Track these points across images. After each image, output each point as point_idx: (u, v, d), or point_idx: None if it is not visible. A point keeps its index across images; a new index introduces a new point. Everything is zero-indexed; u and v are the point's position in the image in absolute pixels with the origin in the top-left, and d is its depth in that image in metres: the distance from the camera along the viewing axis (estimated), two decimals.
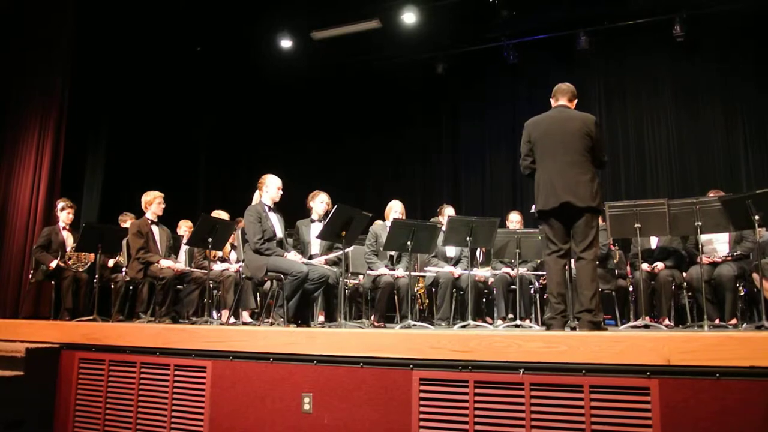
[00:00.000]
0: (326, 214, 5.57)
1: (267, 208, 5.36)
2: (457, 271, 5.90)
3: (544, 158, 4.27)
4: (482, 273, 6.17)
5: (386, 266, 5.82)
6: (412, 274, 5.59)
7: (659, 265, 5.71)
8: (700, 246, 5.21)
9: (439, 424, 3.28)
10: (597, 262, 4.28)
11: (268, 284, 5.73)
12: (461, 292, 5.93)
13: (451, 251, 6.20)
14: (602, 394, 2.96)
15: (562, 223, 4.20)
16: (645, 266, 5.62)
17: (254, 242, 5.15)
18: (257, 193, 5.48)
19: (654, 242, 5.95)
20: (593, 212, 4.15)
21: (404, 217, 5.98)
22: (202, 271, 6.12)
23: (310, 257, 5.57)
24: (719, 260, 5.41)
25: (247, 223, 5.24)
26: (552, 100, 4.51)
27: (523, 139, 4.44)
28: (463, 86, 10.30)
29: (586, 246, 4.09)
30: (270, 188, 5.43)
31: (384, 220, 6.13)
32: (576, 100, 4.48)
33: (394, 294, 5.77)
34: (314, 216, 5.76)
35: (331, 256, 5.65)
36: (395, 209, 5.98)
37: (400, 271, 5.75)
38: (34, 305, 6.76)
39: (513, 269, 5.93)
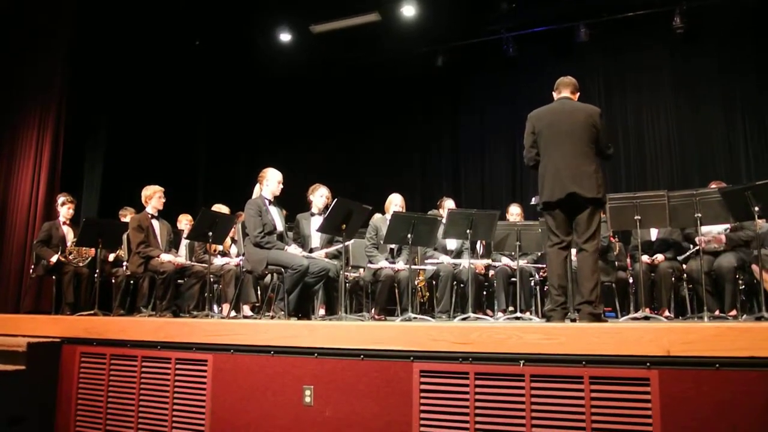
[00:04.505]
0: (326, 207, 5.57)
1: (267, 202, 5.36)
2: (457, 261, 5.91)
3: (549, 149, 4.27)
4: (481, 262, 6.16)
5: (387, 259, 5.83)
6: (413, 267, 5.59)
7: (659, 257, 5.72)
8: (700, 237, 5.22)
9: (439, 415, 3.29)
10: (597, 254, 4.28)
11: (268, 278, 5.75)
12: (461, 285, 5.93)
13: (452, 244, 6.20)
14: (602, 385, 2.96)
15: (565, 215, 4.21)
16: (645, 258, 5.63)
17: (254, 236, 5.16)
18: (257, 186, 5.48)
19: (654, 234, 5.96)
20: (597, 204, 4.16)
21: (404, 210, 5.98)
22: (203, 265, 6.13)
23: (311, 250, 5.58)
24: (714, 243, 5.40)
25: (248, 217, 5.25)
26: (554, 93, 4.51)
27: (526, 131, 4.44)
28: (462, 79, 10.29)
29: (588, 237, 4.11)
30: (270, 182, 5.43)
31: (384, 213, 6.14)
32: (578, 93, 4.48)
33: (394, 287, 5.78)
34: (314, 209, 5.77)
35: (332, 249, 5.65)
36: (395, 202, 5.99)
37: (400, 264, 5.76)
38: (35, 300, 6.77)
39: (513, 261, 5.94)
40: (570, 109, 4.32)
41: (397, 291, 5.85)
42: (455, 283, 5.87)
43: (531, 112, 4.45)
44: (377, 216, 6.14)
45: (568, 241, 4.25)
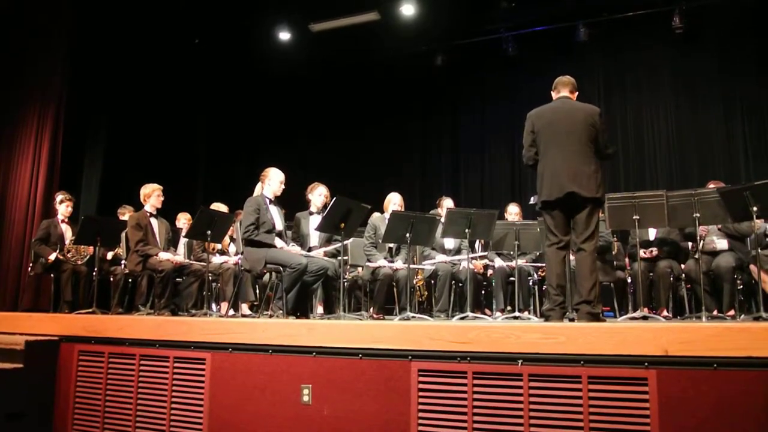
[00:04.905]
0: (325, 206, 5.57)
1: (268, 201, 5.35)
2: (454, 258, 5.91)
3: (549, 148, 4.27)
4: (478, 261, 6.15)
5: (385, 258, 5.82)
6: (411, 266, 5.59)
7: (655, 250, 5.72)
8: (698, 238, 5.22)
9: (438, 414, 3.29)
10: (596, 254, 4.28)
11: (267, 276, 5.74)
12: (460, 284, 5.93)
13: (450, 243, 6.20)
14: (600, 385, 2.96)
15: (564, 214, 4.21)
16: (642, 253, 5.62)
17: (243, 232, 5.17)
18: (259, 185, 5.48)
19: (652, 234, 5.96)
20: (596, 203, 4.16)
21: (403, 209, 5.97)
22: (201, 263, 6.12)
23: (309, 249, 5.57)
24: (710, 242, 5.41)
25: (245, 214, 5.25)
26: (553, 93, 4.51)
27: (526, 130, 4.43)
28: (462, 78, 10.26)
29: (587, 237, 4.10)
30: (272, 181, 5.43)
31: (383, 212, 6.13)
32: (577, 93, 4.48)
33: (392, 286, 5.78)
34: (313, 208, 5.76)
35: (330, 248, 5.65)
36: (394, 201, 5.98)
37: (398, 263, 5.76)
38: (34, 298, 6.76)
39: (511, 261, 5.93)
40: (569, 108, 4.32)
41: (395, 290, 5.85)
42: (453, 282, 5.87)
43: (530, 111, 4.45)
44: (376, 215, 6.14)
45: (566, 240, 4.25)
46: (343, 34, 9.37)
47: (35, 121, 7.40)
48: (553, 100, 4.46)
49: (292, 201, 6.07)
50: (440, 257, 5.99)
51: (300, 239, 5.72)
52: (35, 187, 7.26)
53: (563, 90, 4.45)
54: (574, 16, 8.99)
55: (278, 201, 5.53)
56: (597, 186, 4.12)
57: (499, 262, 6.17)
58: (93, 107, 8.65)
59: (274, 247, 5.15)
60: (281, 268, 5.03)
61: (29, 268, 6.55)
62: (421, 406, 3.33)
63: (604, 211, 5.13)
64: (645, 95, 9.19)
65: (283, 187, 5.49)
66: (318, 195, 5.77)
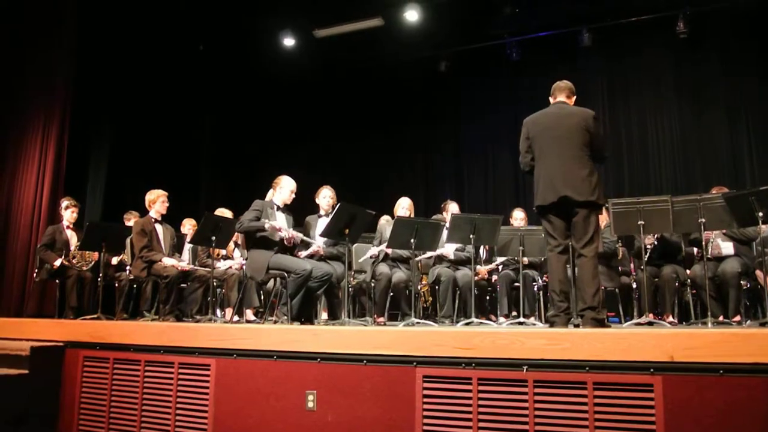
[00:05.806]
0: (333, 207, 5.56)
1: (276, 207, 5.35)
2: (442, 251, 5.92)
3: (543, 154, 4.27)
4: (483, 267, 6.14)
5: (387, 263, 5.81)
6: (417, 253, 5.54)
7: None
8: (703, 243, 5.21)
9: (442, 420, 3.28)
10: (597, 258, 4.25)
11: (271, 282, 5.74)
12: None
13: (453, 248, 6.19)
14: (606, 391, 2.95)
15: (561, 219, 4.20)
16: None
17: (237, 225, 5.19)
18: (271, 191, 5.49)
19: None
20: (592, 207, 4.13)
21: (412, 214, 5.97)
22: (206, 269, 6.13)
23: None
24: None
25: (247, 211, 5.24)
26: (550, 98, 4.51)
27: (522, 136, 4.45)
28: (465, 83, 10.28)
29: (586, 242, 4.08)
30: (283, 190, 5.43)
31: (394, 216, 6.12)
32: (575, 97, 4.48)
33: (398, 290, 5.76)
34: (321, 212, 5.76)
35: (321, 242, 5.60)
36: (402, 205, 5.98)
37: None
38: (39, 304, 6.76)
39: (517, 264, 5.92)
40: (564, 113, 4.32)
41: (401, 296, 5.84)
42: (457, 288, 5.86)
43: (526, 118, 4.46)
44: (385, 218, 6.14)
45: (566, 244, 4.24)
46: (347, 40, 9.40)
47: (40, 127, 7.40)
48: (550, 105, 4.47)
49: (296, 204, 6.08)
50: (448, 247, 5.94)
51: (307, 243, 5.71)
52: (41, 193, 7.27)
53: (560, 95, 4.46)
54: (578, 22, 9.00)
55: (287, 208, 5.53)
56: (592, 189, 4.09)
57: (501, 259, 6.12)
58: (97, 113, 8.67)
59: (263, 229, 5.09)
60: (286, 274, 5.03)
61: (34, 274, 6.56)
62: (425, 412, 3.32)
63: (609, 217, 5.13)
64: (649, 100, 9.19)
65: (293, 196, 5.49)
66: (323, 197, 5.76)
